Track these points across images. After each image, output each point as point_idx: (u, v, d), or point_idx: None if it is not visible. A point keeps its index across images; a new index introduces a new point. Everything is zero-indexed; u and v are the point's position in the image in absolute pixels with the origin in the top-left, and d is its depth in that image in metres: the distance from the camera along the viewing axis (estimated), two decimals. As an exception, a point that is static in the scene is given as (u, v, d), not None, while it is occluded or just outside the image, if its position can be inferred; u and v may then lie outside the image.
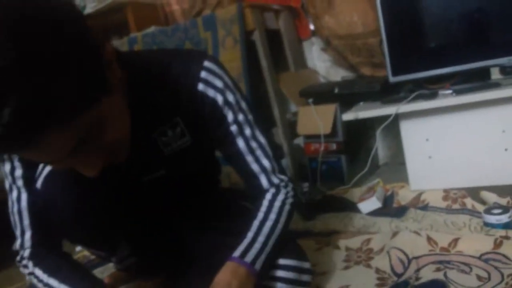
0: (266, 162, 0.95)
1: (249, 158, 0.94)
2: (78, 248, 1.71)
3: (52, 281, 0.87)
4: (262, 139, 0.94)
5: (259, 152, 0.94)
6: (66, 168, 0.69)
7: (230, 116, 0.90)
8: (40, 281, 0.89)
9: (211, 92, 0.87)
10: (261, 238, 0.89)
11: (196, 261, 1.14)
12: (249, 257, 0.85)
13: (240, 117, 0.91)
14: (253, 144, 0.93)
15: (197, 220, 1.11)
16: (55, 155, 0.63)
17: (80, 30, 0.61)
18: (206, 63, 0.86)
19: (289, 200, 0.96)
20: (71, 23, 0.60)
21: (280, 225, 0.92)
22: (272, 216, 0.92)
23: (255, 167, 0.94)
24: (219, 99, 0.87)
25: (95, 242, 1.02)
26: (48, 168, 0.87)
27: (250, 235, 0.89)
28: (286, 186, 0.98)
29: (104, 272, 1.44)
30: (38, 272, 0.89)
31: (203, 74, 0.86)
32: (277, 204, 0.94)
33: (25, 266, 0.91)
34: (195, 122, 0.90)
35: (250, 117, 0.93)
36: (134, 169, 0.91)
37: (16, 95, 0.53)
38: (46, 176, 0.87)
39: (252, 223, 0.92)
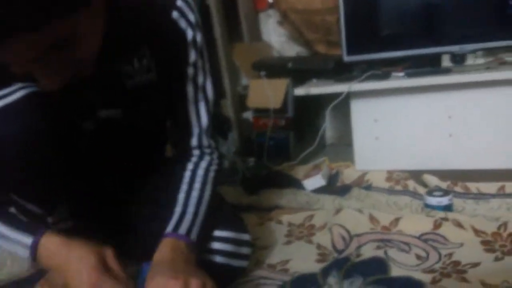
0: (204, 118, 0.92)
1: (191, 108, 0.90)
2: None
3: None
4: (210, 94, 0.91)
5: (202, 105, 0.91)
6: (28, 73, 0.64)
7: (192, 57, 0.86)
8: None
9: (183, 24, 0.83)
10: (190, 209, 0.85)
11: (134, 231, 1.07)
12: (182, 230, 0.82)
13: (199, 62, 0.88)
14: (200, 95, 0.90)
15: (138, 188, 1.05)
16: (21, 59, 0.59)
17: None
18: None
19: (213, 167, 0.93)
20: None
21: (207, 193, 0.89)
22: (197, 185, 0.89)
23: (193, 119, 0.91)
24: (189, 34, 0.84)
25: (34, 195, 0.91)
26: None
27: (178, 209, 0.86)
28: (211, 153, 0.95)
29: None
30: None
31: (179, 3, 0.83)
32: (200, 172, 0.91)
33: None
34: (162, 57, 0.85)
35: (207, 66, 0.90)
36: (93, 98, 0.85)
37: None
38: None
39: (177, 197, 0.88)
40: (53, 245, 0.75)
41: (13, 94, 0.77)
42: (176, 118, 0.93)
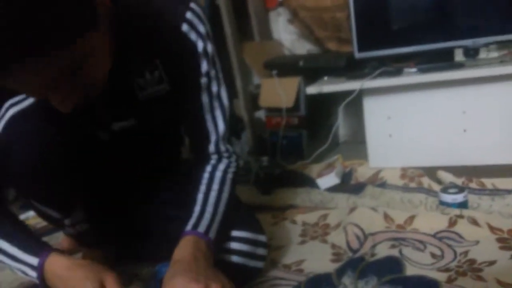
0: (221, 125, 0.93)
1: (207, 116, 0.91)
2: (22, 217, 1.61)
3: None
4: (225, 101, 0.92)
5: (218, 113, 0.92)
6: (41, 98, 0.67)
7: (204, 67, 0.87)
8: None
9: (193, 36, 0.84)
10: (209, 209, 0.86)
11: (149, 233, 1.09)
12: (201, 228, 0.83)
13: (212, 71, 0.88)
14: (215, 103, 0.91)
15: (154, 191, 1.07)
16: (30, 86, 0.61)
17: None
18: (192, 5, 0.84)
19: (231, 169, 0.95)
20: None
21: (225, 194, 0.90)
22: (215, 186, 0.90)
23: (210, 126, 0.92)
24: (200, 45, 0.84)
25: (51, 198, 0.94)
26: (12, 111, 0.79)
27: (197, 208, 0.87)
28: (229, 157, 0.96)
29: (50, 241, 1.36)
30: None
31: (189, 15, 0.83)
32: (219, 174, 0.92)
33: None
34: (174, 69, 0.86)
35: (220, 75, 0.91)
36: (106, 112, 0.86)
37: (3, 20, 0.51)
38: (9, 120, 0.79)
39: (196, 197, 0.89)
40: (57, 267, 0.76)
41: (28, 99, 0.79)
42: (194, 127, 0.94)
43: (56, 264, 0.76)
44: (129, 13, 0.77)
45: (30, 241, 0.81)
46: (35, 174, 0.83)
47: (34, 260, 0.77)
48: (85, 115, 0.73)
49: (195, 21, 0.83)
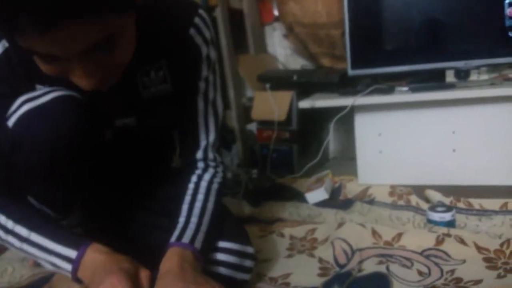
0: (212, 132, 0.94)
1: (200, 121, 0.92)
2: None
3: (19, 229, 0.79)
4: (219, 108, 0.94)
5: (211, 119, 0.93)
6: (63, 74, 0.66)
7: (204, 72, 0.89)
8: (2, 228, 0.79)
9: (198, 40, 0.86)
10: (193, 219, 0.86)
11: (134, 241, 1.07)
12: (186, 238, 0.82)
13: (211, 77, 0.90)
14: (210, 109, 0.92)
15: (142, 196, 1.05)
16: (65, 50, 0.60)
17: None
18: (201, 11, 0.87)
19: (217, 179, 0.95)
20: None
21: (210, 204, 0.90)
22: (200, 196, 0.90)
23: (201, 132, 0.93)
24: (204, 50, 0.87)
25: (53, 198, 0.92)
26: (26, 107, 0.77)
27: (181, 219, 0.87)
28: (216, 166, 0.97)
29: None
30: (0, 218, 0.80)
31: (197, 20, 0.85)
32: (204, 184, 0.92)
33: None
34: (177, 70, 0.87)
35: (218, 81, 0.92)
36: (109, 108, 0.86)
37: None
38: (23, 115, 0.77)
39: (181, 208, 0.89)
40: (97, 252, 0.76)
41: (44, 96, 0.77)
42: (185, 130, 0.95)
43: (96, 250, 0.76)
44: (146, 12, 0.78)
45: (64, 233, 0.81)
46: (42, 172, 0.81)
47: (72, 253, 0.76)
48: (93, 109, 0.72)
49: (202, 26, 0.86)
